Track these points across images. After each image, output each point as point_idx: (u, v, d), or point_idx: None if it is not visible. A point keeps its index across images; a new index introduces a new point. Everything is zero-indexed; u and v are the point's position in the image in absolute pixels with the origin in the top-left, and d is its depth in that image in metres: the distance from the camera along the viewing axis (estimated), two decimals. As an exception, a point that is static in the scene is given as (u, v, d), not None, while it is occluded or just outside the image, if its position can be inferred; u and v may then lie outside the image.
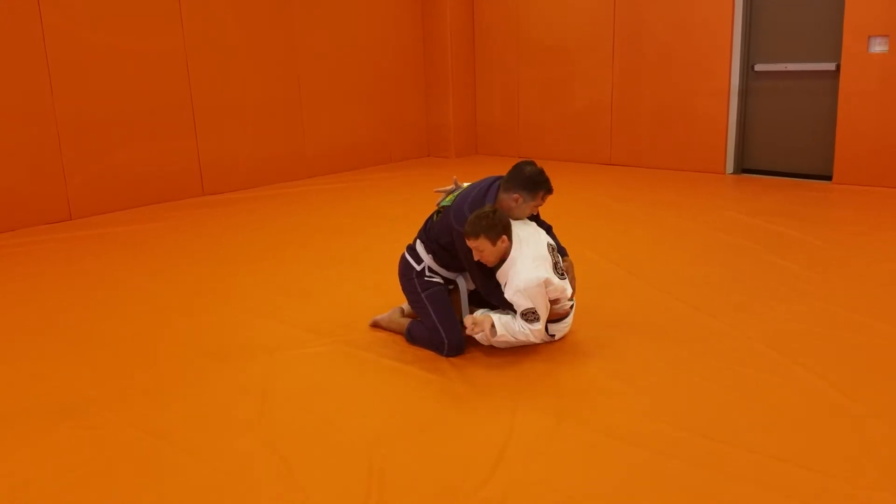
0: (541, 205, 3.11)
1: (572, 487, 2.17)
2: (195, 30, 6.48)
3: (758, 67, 6.84)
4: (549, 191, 3.05)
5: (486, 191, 3.07)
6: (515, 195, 3.01)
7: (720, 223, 5.23)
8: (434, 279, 3.18)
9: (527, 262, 2.89)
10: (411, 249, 3.28)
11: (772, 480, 2.16)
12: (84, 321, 3.69)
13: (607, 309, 3.57)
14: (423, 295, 3.15)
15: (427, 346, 3.15)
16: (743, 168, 7.18)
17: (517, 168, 3.04)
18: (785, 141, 6.85)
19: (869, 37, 6.08)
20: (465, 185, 3.29)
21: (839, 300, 3.62)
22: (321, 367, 3.06)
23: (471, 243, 2.91)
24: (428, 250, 3.20)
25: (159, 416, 2.67)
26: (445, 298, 3.16)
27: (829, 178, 6.54)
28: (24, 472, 2.34)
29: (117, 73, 6.03)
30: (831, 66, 6.40)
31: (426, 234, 3.24)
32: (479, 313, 3.09)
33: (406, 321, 3.31)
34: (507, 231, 2.90)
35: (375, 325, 3.44)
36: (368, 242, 5.02)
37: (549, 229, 3.25)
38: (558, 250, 3.16)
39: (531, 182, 3.00)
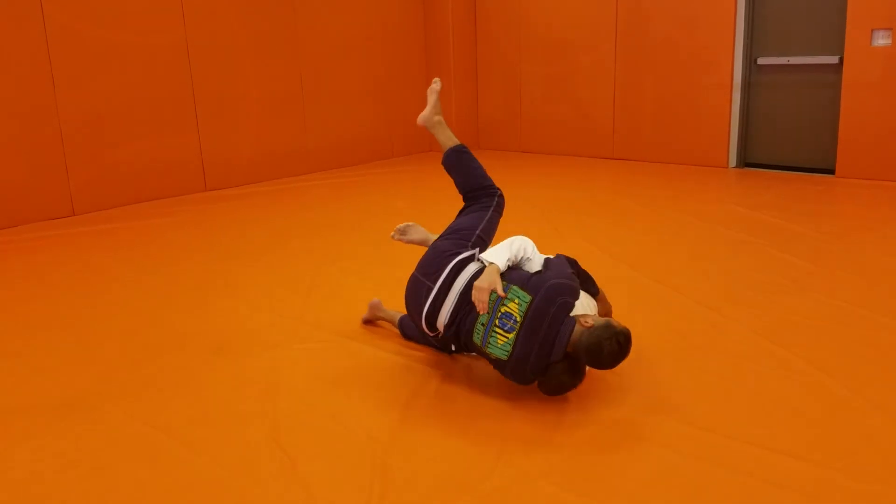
0: None
1: (574, 480, 2.17)
2: (197, 25, 6.48)
3: (760, 61, 6.83)
4: (612, 367, 2.60)
5: (551, 349, 2.54)
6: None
7: (722, 217, 5.23)
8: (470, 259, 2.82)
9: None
10: (459, 266, 2.79)
11: (772, 473, 2.17)
12: (87, 316, 3.71)
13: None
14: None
15: (420, 341, 3.15)
16: (746, 162, 7.17)
17: (597, 345, 2.46)
18: (788, 134, 6.84)
19: (872, 30, 6.06)
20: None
21: (841, 294, 3.62)
22: (324, 362, 3.07)
23: None
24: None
25: (163, 411, 2.68)
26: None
27: (832, 171, 6.53)
28: (28, 466, 2.35)
29: (119, 69, 6.03)
30: (834, 60, 6.38)
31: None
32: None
33: (397, 314, 3.30)
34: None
35: (368, 322, 3.44)
36: (371, 237, 5.02)
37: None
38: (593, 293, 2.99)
39: (597, 363, 2.53)
